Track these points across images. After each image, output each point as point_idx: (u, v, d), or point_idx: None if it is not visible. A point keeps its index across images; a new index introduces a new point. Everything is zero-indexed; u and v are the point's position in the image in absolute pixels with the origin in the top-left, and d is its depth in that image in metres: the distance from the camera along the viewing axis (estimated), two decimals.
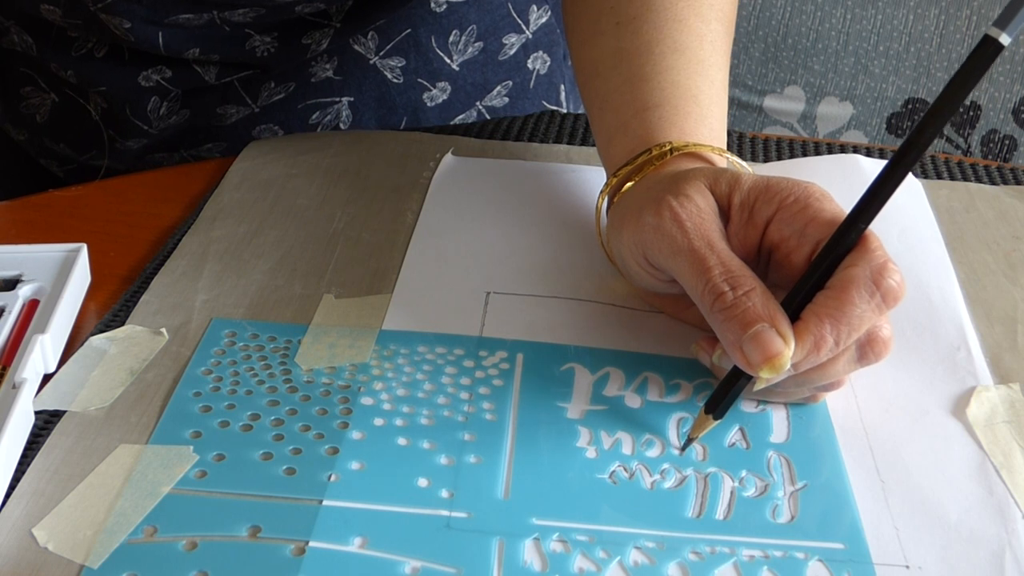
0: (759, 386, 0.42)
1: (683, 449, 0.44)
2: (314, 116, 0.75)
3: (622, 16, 0.55)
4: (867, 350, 0.43)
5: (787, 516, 0.41)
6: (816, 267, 0.42)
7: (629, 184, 0.50)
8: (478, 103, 0.79)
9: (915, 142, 0.41)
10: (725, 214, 0.45)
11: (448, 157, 0.64)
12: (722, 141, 0.52)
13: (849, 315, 0.41)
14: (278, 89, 0.74)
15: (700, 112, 0.52)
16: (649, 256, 0.46)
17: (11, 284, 0.52)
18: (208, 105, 0.74)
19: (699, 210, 0.44)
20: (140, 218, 0.60)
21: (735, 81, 1.32)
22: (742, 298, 0.41)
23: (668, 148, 0.49)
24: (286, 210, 0.59)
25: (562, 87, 0.85)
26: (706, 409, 0.43)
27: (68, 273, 0.51)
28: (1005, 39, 0.39)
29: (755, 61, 1.33)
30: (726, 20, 0.57)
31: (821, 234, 0.43)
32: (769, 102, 1.34)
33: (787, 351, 0.40)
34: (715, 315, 0.42)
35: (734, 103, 1.34)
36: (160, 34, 0.67)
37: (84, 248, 0.53)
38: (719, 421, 0.43)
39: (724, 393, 0.43)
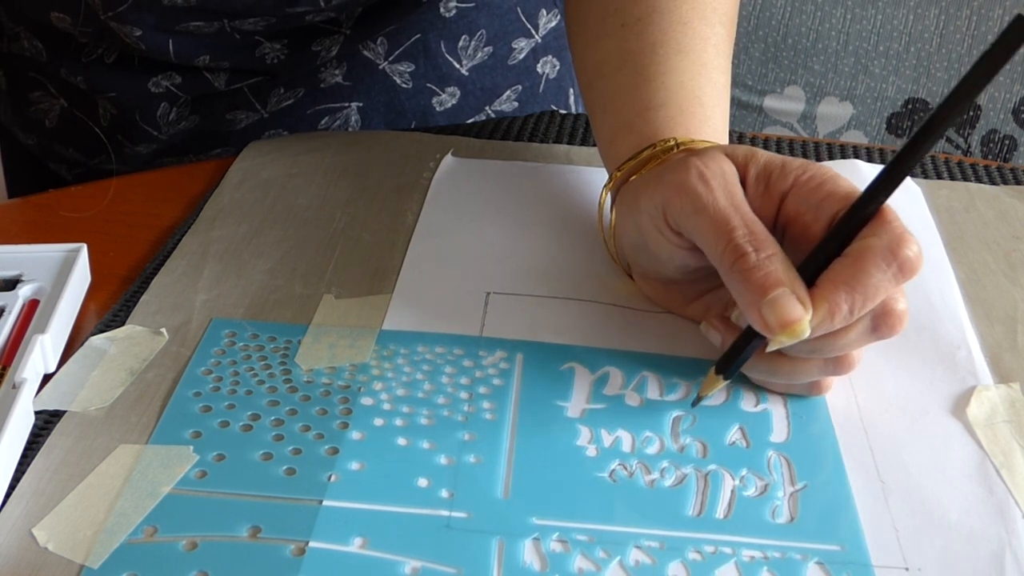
0: (772, 347, 0.42)
1: (694, 405, 0.45)
2: (323, 121, 0.75)
3: (627, 18, 0.55)
4: (881, 322, 0.42)
5: (787, 516, 0.41)
6: (833, 236, 0.42)
7: (633, 178, 0.50)
8: (487, 108, 0.79)
9: (941, 117, 0.40)
10: (742, 184, 0.45)
11: (448, 158, 0.64)
12: (724, 142, 0.52)
13: (864, 283, 0.41)
14: (287, 95, 0.74)
15: (704, 113, 0.52)
16: (670, 215, 0.45)
17: (11, 284, 0.52)
18: (217, 111, 0.74)
19: (723, 172, 0.45)
20: (140, 218, 0.60)
21: (735, 81, 1.32)
22: (764, 261, 0.42)
23: (673, 144, 0.49)
24: (286, 210, 0.59)
25: (571, 91, 0.85)
26: (716, 370, 0.44)
27: (68, 273, 0.51)
28: None
29: (755, 61, 1.33)
30: (728, 24, 0.57)
31: (837, 207, 0.43)
32: (769, 102, 1.34)
33: (806, 318, 0.41)
34: (734, 275, 0.42)
35: (734, 103, 1.34)
36: (170, 42, 0.67)
37: (84, 248, 0.53)
38: (727, 381, 0.44)
39: (736, 354, 0.43)
